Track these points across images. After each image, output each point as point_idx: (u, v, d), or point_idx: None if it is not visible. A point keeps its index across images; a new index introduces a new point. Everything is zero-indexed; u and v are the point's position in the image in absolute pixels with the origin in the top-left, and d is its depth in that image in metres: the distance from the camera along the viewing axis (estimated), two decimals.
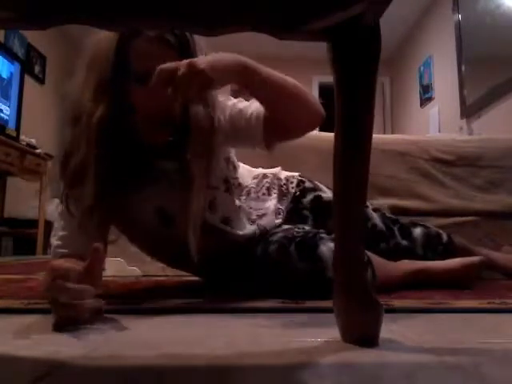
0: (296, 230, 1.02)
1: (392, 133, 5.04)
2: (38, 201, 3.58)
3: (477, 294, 0.98)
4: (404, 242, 1.21)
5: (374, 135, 0.55)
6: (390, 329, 0.60)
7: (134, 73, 0.83)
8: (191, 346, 0.54)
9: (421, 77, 4.39)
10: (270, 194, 1.15)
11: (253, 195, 1.13)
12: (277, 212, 1.12)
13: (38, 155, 3.53)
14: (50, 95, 4.49)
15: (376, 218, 1.21)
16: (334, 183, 0.55)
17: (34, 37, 4.10)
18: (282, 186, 1.18)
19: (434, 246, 1.23)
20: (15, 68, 3.45)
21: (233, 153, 1.05)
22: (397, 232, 1.22)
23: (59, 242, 0.85)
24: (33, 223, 3.50)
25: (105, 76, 0.82)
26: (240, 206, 1.05)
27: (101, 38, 0.83)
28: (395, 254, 1.14)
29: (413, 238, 1.22)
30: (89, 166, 0.80)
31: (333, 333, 0.56)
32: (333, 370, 0.44)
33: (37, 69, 4.23)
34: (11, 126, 3.33)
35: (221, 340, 0.56)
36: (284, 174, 1.21)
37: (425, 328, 0.65)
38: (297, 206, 1.16)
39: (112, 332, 0.62)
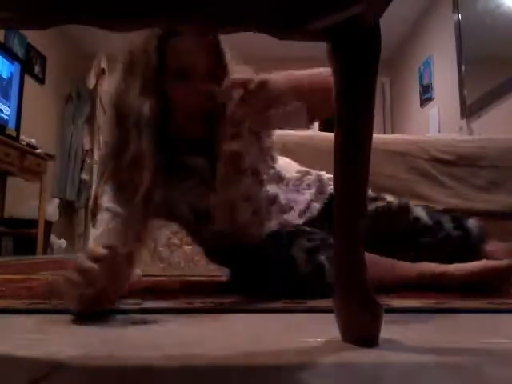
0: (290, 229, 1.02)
1: (392, 133, 5.03)
2: (38, 201, 3.58)
3: (477, 294, 0.97)
4: (456, 233, 1.14)
5: (374, 135, 0.55)
6: (389, 329, 0.60)
7: (174, 70, 0.87)
8: (191, 346, 0.54)
9: (421, 77, 4.39)
10: (309, 189, 1.17)
11: (291, 187, 1.15)
12: (305, 208, 1.11)
13: (38, 155, 3.53)
14: (50, 95, 4.49)
15: (420, 211, 1.17)
16: (333, 183, 0.55)
17: (34, 37, 4.10)
18: (321, 186, 1.19)
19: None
20: (15, 68, 3.45)
21: (271, 144, 1.06)
22: (446, 223, 1.15)
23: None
24: (33, 223, 3.50)
25: (148, 75, 0.85)
26: (276, 197, 1.07)
27: (136, 40, 0.88)
28: (444, 246, 1.10)
29: (467, 228, 1.15)
30: (141, 162, 0.83)
31: (333, 333, 0.56)
32: (333, 370, 0.44)
33: (37, 69, 4.23)
34: (11, 126, 3.33)
35: (221, 340, 0.56)
36: (327, 176, 1.23)
37: (425, 328, 0.65)
38: (331, 203, 1.16)
39: (112, 332, 0.62)
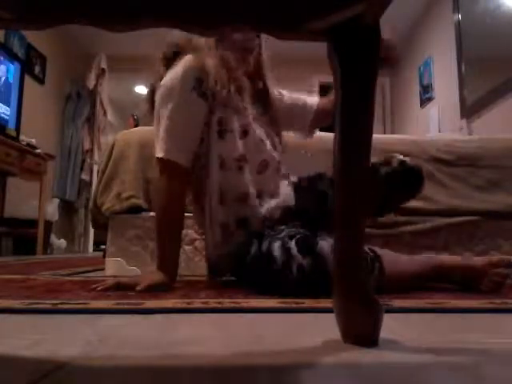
0: (295, 230, 1.04)
1: (392, 133, 5.03)
2: (38, 201, 3.58)
3: (477, 294, 0.98)
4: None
5: (374, 135, 0.55)
6: (390, 329, 0.60)
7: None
8: (191, 345, 0.54)
9: (421, 77, 4.39)
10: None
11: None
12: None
13: (38, 155, 3.53)
14: (50, 95, 4.49)
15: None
16: (334, 183, 0.55)
17: (34, 37, 4.10)
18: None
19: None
20: (15, 68, 3.45)
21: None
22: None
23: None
24: (33, 223, 3.50)
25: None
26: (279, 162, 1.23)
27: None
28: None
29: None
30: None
31: (333, 333, 0.56)
32: (333, 370, 0.44)
33: (37, 69, 4.23)
34: (11, 126, 3.33)
35: (221, 340, 0.56)
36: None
37: (425, 328, 0.65)
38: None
39: (112, 332, 0.62)
